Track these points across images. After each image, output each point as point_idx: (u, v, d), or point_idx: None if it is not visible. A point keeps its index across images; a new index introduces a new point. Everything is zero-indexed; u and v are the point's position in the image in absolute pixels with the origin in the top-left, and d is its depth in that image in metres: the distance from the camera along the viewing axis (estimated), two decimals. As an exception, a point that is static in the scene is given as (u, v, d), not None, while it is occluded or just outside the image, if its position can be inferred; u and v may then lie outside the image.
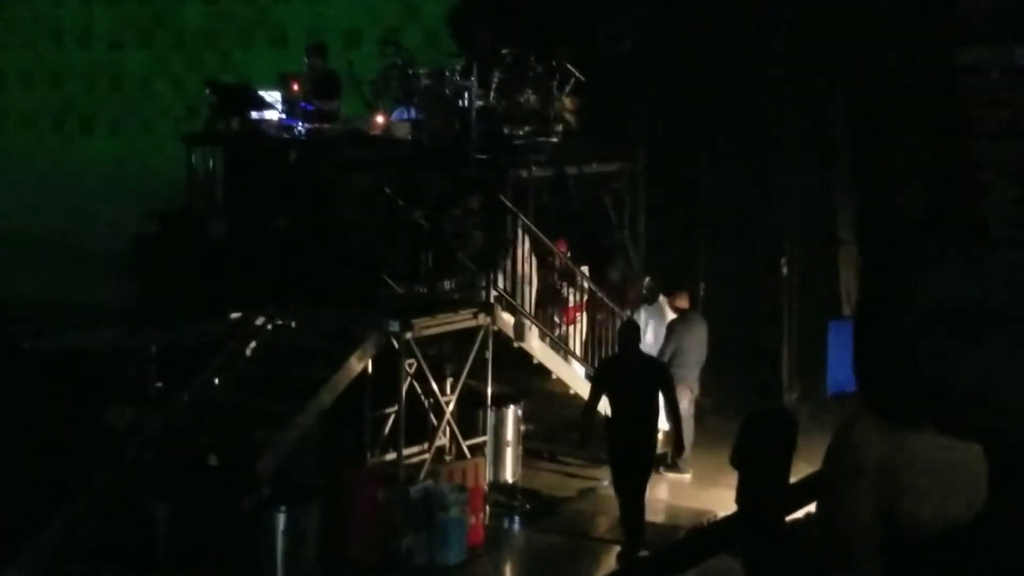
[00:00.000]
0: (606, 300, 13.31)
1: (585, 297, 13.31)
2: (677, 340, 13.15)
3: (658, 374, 11.41)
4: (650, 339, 13.31)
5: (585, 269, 13.34)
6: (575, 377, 12.96)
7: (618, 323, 12.88)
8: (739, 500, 10.46)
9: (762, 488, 10.17)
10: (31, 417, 10.96)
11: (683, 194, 15.11)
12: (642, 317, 13.44)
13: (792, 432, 10.45)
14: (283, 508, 10.19)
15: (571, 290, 13.19)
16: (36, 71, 20.46)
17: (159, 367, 11.55)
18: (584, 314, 13.35)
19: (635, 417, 11.11)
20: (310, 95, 14.29)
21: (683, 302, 13.43)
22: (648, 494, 11.36)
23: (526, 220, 12.60)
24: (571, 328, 13.18)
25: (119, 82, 19.69)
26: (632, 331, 11.55)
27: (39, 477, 10.57)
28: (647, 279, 13.89)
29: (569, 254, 13.29)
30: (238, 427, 10.87)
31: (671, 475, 13.21)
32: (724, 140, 14.91)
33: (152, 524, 9.84)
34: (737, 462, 10.40)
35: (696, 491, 12.83)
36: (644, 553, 10.73)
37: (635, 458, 11.21)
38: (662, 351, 13.11)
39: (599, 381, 11.44)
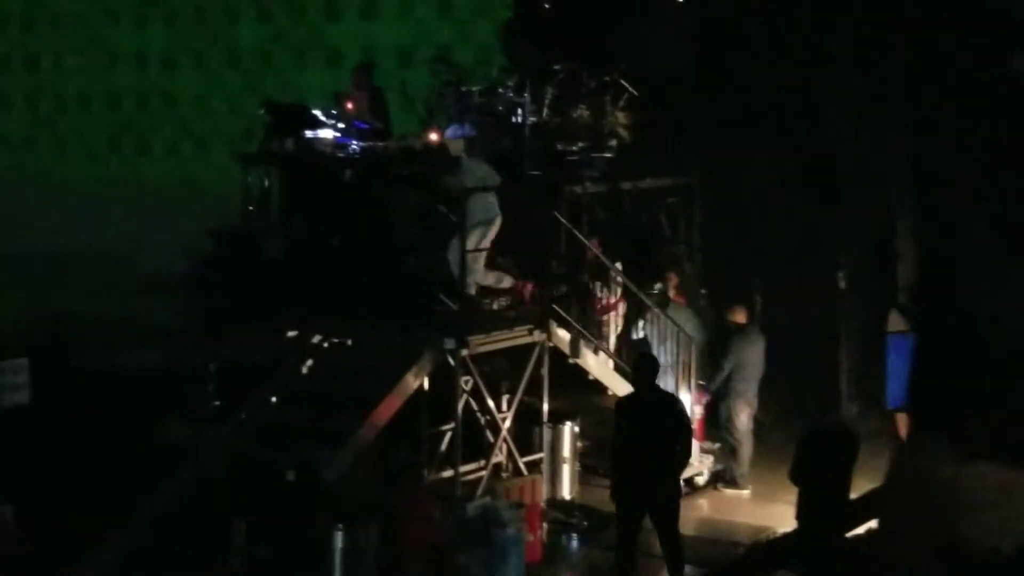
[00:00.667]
0: (666, 317, 13.23)
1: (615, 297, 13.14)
2: (736, 355, 13.07)
3: (675, 416, 10.50)
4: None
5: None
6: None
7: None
8: (799, 516, 10.35)
9: (822, 504, 10.06)
10: (89, 436, 11.04)
11: (738, 207, 15.03)
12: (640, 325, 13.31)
13: (852, 447, 10.33)
14: (341, 526, 10.20)
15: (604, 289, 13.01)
16: (92, 93, 20.70)
17: (216, 385, 11.60)
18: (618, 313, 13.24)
19: (643, 462, 10.26)
20: (364, 114, 14.37)
21: (741, 316, 13.35)
22: (707, 511, 11.26)
23: (580, 236, 12.57)
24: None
25: (174, 102, 19.89)
26: (647, 365, 10.61)
27: (98, 494, 10.64)
28: (702, 292, 13.83)
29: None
30: (296, 445, 10.90)
31: (730, 491, 13.12)
32: (780, 152, 14.82)
33: (227, 539, 9.87)
34: (796, 477, 10.30)
35: (755, 507, 12.72)
36: None
37: (638, 507, 10.42)
38: (721, 366, 13.03)
39: (617, 420, 10.61)
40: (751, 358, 13.12)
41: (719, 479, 13.37)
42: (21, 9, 21.65)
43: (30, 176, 18.25)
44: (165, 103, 20.19)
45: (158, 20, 20.32)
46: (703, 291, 13.90)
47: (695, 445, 13.47)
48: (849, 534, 9.10)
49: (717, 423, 13.45)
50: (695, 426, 13.46)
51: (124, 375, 11.50)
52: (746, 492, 13.02)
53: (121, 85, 20.28)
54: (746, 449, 13.13)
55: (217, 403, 11.58)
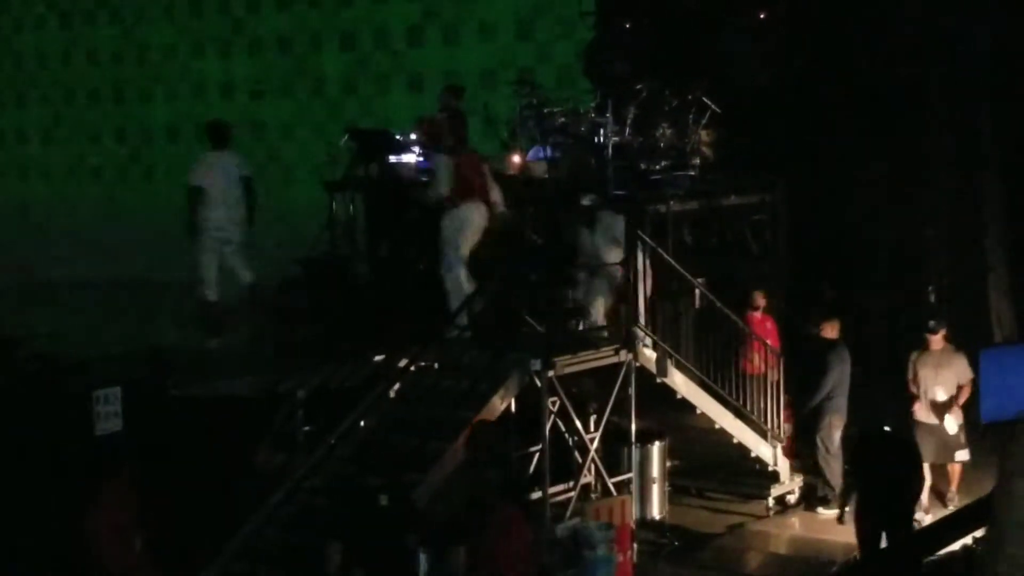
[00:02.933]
0: (762, 341, 13.14)
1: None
2: (834, 371, 12.93)
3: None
4: None
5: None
6: (720, 412, 12.80)
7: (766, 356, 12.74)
8: (859, 524, 10.34)
9: (882, 513, 10.02)
10: (184, 463, 11.18)
11: (825, 224, 14.90)
12: None
13: (905, 453, 10.28)
14: (431, 549, 10.22)
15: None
16: (181, 123, 21.08)
17: (307, 411, 11.70)
18: None
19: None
20: (446, 138, 14.44)
21: (833, 332, 13.21)
22: (799, 530, 11.18)
23: (665, 255, 12.53)
24: None
25: (261, 131, 20.17)
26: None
27: (194, 520, 10.77)
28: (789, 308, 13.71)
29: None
30: (386, 468, 10.96)
31: (824, 511, 12.98)
32: (867, 168, 14.68)
33: (322, 563, 9.94)
34: (851, 482, 10.31)
35: (847, 526, 12.55)
36: None
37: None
38: (823, 383, 12.88)
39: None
40: (846, 374, 12.99)
41: (810, 498, 13.23)
42: (111, 43, 22.11)
43: (121, 206, 18.60)
44: (252, 132, 20.47)
45: (244, 51, 20.65)
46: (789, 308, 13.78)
47: (785, 463, 13.39)
48: (943, 551, 8.96)
49: (808, 440, 13.31)
50: (784, 443, 13.36)
51: (218, 402, 11.62)
52: (838, 511, 12.86)
53: (208, 115, 20.61)
54: (838, 466, 12.98)
55: (308, 428, 11.67)
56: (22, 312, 15.75)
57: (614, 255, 12.32)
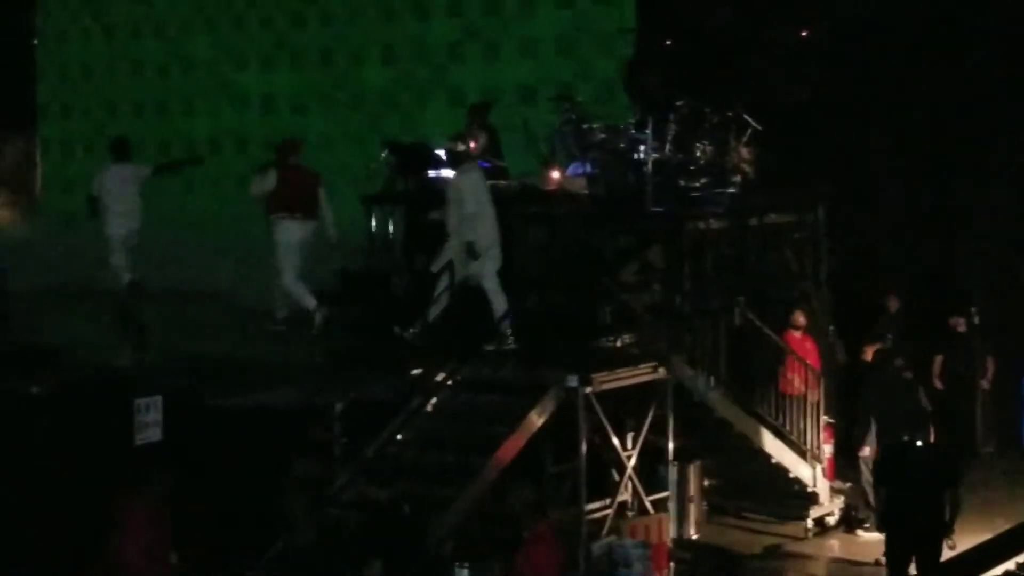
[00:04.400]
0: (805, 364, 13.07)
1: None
2: (872, 395, 12.82)
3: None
4: None
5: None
6: (759, 431, 12.73)
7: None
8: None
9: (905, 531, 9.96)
10: (220, 474, 11.21)
11: (866, 242, 14.82)
12: None
13: (937, 466, 10.20)
14: (465, 564, 10.20)
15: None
16: (222, 136, 21.17)
17: (344, 424, 11.71)
18: None
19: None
20: (485, 152, 14.47)
21: (869, 355, 13.12)
22: (838, 552, 11.11)
23: (704, 271, 12.50)
24: None
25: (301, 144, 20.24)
26: None
27: (231, 532, 10.79)
28: (831, 328, 13.64)
29: None
30: (421, 483, 10.96)
31: (864, 534, 12.89)
32: (908, 188, 14.60)
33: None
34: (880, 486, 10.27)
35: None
36: None
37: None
38: (870, 406, 12.77)
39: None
40: (884, 395, 12.87)
41: (851, 519, 13.14)
42: (155, 56, 22.26)
43: (162, 216, 18.70)
44: (293, 145, 20.56)
45: (286, 64, 20.75)
46: (831, 327, 13.69)
47: (825, 484, 13.29)
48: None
49: (850, 462, 13.23)
50: (824, 465, 13.26)
51: (256, 414, 11.65)
52: (880, 535, 12.74)
53: (249, 128, 20.74)
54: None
55: (345, 441, 11.69)
56: (64, 320, 15.87)
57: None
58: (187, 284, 16.74)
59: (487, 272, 12.44)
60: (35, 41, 23.83)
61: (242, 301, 15.75)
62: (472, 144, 14.51)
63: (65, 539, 10.04)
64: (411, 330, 12.78)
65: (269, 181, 14.00)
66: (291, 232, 13.91)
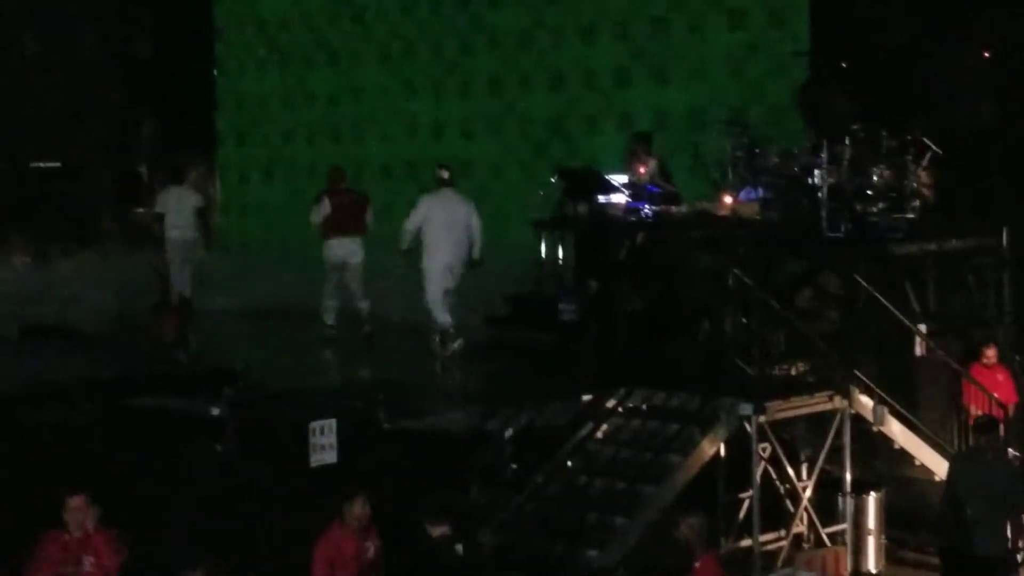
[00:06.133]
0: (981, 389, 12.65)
1: None
2: None
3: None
4: None
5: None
6: (940, 464, 12.33)
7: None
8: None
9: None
10: (391, 497, 11.31)
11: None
12: None
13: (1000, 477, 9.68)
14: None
15: None
16: (393, 162, 21.50)
17: (514, 450, 11.72)
18: None
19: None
20: (656, 177, 14.39)
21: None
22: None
23: (882, 299, 12.19)
24: None
25: (470, 169, 20.42)
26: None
27: (402, 555, 10.87)
28: (1016, 358, 13.16)
29: None
30: (593, 509, 10.89)
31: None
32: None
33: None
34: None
35: None
36: None
37: None
38: None
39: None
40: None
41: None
42: (328, 84, 22.75)
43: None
44: (462, 171, 20.76)
45: (455, 91, 20.98)
46: (1017, 357, 13.20)
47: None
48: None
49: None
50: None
51: (427, 438, 11.74)
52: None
53: (419, 154, 21.02)
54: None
55: (515, 466, 11.69)
56: (242, 343, 16.26)
57: None
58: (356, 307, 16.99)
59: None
60: (215, 72, 24.59)
61: (410, 324, 15.92)
62: (642, 169, 14.47)
63: (246, 562, 10.21)
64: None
65: (325, 207, 15.35)
66: (335, 250, 15.30)
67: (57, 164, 27.00)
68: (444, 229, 14.37)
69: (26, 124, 25.98)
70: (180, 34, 25.02)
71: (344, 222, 15.35)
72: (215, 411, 11.69)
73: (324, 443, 11.24)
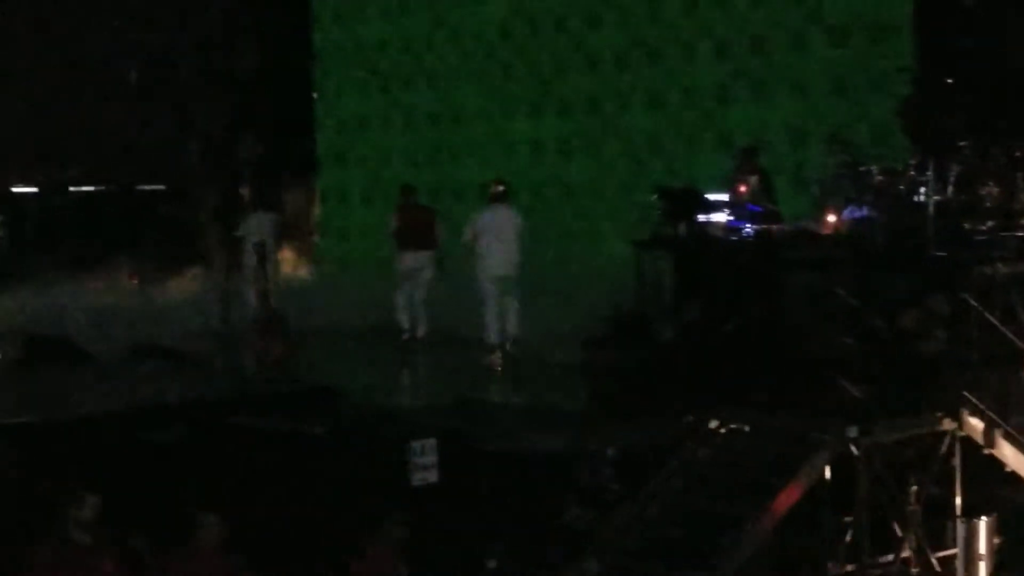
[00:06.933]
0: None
1: None
2: None
3: None
4: None
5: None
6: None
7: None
8: None
9: None
10: (494, 517, 11.31)
11: None
12: None
13: None
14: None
15: None
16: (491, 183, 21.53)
17: (615, 470, 11.65)
18: None
19: None
20: (757, 196, 14.28)
21: None
22: None
23: (992, 319, 11.92)
24: None
25: (568, 189, 20.44)
26: None
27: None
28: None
29: None
30: (696, 531, 10.78)
31: None
32: None
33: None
34: None
35: None
36: None
37: None
38: None
39: None
40: None
41: None
42: (426, 106, 22.89)
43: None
44: (560, 191, 20.79)
45: (553, 111, 21.00)
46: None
47: None
48: None
49: None
50: None
51: (527, 458, 11.73)
52: None
53: (517, 174, 21.06)
54: None
55: (615, 487, 11.61)
56: (342, 362, 16.40)
57: None
58: (452, 328, 17.08)
59: None
60: (314, 95, 24.88)
61: (512, 346, 15.94)
62: (743, 188, 14.37)
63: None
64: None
65: (393, 222, 16.99)
66: (405, 262, 16.59)
67: (162, 187, 27.55)
68: (496, 240, 15.38)
69: (131, 148, 26.54)
70: (280, 58, 25.37)
71: (412, 237, 16.50)
72: (317, 430, 11.80)
73: (425, 463, 11.29)
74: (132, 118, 26.39)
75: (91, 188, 27.67)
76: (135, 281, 22.80)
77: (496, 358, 15.24)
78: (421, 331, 16.77)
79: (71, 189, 27.56)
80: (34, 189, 27.09)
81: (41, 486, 9.53)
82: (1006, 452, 11.74)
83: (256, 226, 18.23)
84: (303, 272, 23.15)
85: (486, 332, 15.46)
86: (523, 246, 15.60)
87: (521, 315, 15.63)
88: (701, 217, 14.19)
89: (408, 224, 16.73)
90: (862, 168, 13.43)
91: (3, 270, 23.57)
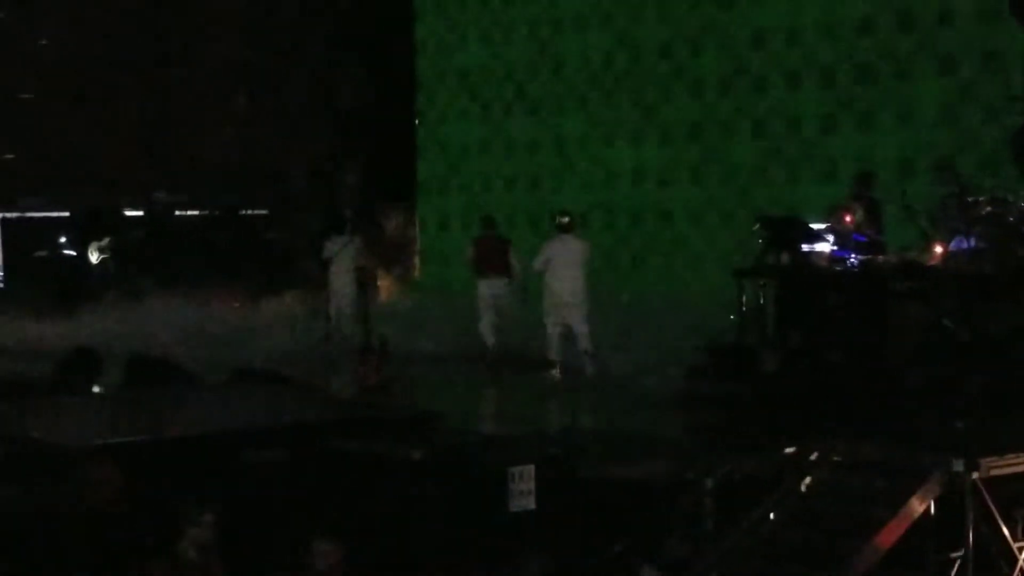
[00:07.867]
0: None
1: None
2: None
3: None
4: None
5: None
6: None
7: None
8: None
9: None
10: (592, 548, 11.24)
11: None
12: None
13: None
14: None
15: None
16: (592, 210, 21.56)
17: (714, 501, 11.51)
18: None
19: None
20: (863, 226, 14.09)
21: None
22: None
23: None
24: None
25: (669, 217, 20.37)
26: None
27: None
28: None
29: None
30: (796, 564, 10.61)
31: None
32: None
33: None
34: None
35: None
36: None
37: None
38: None
39: None
40: None
41: None
42: (527, 133, 22.98)
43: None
44: (660, 218, 20.73)
45: (654, 138, 20.97)
46: None
47: None
48: None
49: None
50: None
51: (625, 486, 11.64)
52: None
53: (618, 201, 21.05)
54: None
55: (715, 519, 11.48)
56: (441, 387, 16.47)
57: None
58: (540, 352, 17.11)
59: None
60: (416, 121, 25.11)
61: (611, 374, 15.91)
62: (848, 217, 14.18)
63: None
64: None
65: (469, 251, 18.21)
66: (482, 289, 17.49)
67: (264, 212, 27.96)
68: (564, 268, 16.15)
69: (236, 173, 26.99)
70: (383, 85, 25.65)
71: (487, 264, 17.46)
72: (416, 455, 11.82)
73: (523, 489, 11.25)
74: (238, 144, 26.85)
75: (196, 212, 28.14)
76: (236, 304, 23.12)
77: (556, 372, 16.20)
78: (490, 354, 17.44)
79: (177, 213, 28.06)
80: (140, 213, 27.63)
81: (153, 504, 9.58)
82: (1120, 490, 11.41)
83: (339, 251, 18.85)
84: (402, 297, 23.32)
85: (548, 351, 16.47)
86: (589, 273, 16.33)
87: (591, 339, 16.19)
88: (805, 246, 14.01)
89: (482, 253, 17.68)
90: (970, 199, 13.19)
91: (109, 292, 24.03)
